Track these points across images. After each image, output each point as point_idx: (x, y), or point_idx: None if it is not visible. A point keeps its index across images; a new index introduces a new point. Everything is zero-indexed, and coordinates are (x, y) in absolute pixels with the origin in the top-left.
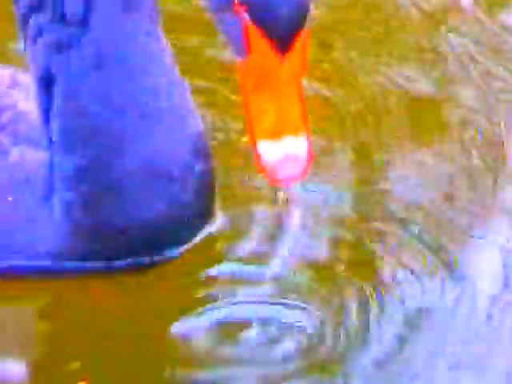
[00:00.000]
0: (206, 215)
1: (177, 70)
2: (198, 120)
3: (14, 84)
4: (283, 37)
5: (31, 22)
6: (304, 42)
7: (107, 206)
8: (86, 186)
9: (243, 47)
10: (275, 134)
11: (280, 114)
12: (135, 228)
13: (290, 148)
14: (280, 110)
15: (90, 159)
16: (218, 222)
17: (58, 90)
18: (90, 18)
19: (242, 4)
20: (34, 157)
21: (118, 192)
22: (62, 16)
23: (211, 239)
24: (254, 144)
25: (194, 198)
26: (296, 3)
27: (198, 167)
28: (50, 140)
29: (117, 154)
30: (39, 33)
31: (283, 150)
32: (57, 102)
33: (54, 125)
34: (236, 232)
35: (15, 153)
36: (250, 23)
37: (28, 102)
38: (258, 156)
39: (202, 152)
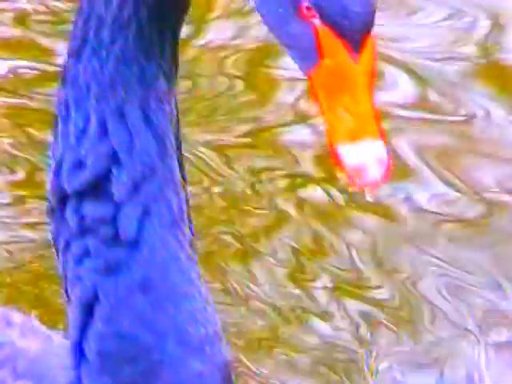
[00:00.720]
0: None
1: (210, 296)
2: (227, 348)
3: (8, 323)
4: (359, 34)
5: (76, 246)
6: (374, 41)
7: None
8: None
9: (315, 53)
10: (354, 136)
11: (357, 116)
12: None
13: (370, 150)
14: (356, 112)
15: (122, 381)
16: None
17: (99, 312)
18: (140, 237)
19: (311, 8)
20: None
21: None
22: (114, 236)
23: None
24: (334, 150)
25: None
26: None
27: None
28: (80, 361)
29: (150, 379)
30: (85, 254)
31: (364, 152)
32: (97, 323)
33: (90, 346)
34: None
35: None
36: (321, 27)
37: (24, 340)
38: (339, 161)
39: (228, 382)
